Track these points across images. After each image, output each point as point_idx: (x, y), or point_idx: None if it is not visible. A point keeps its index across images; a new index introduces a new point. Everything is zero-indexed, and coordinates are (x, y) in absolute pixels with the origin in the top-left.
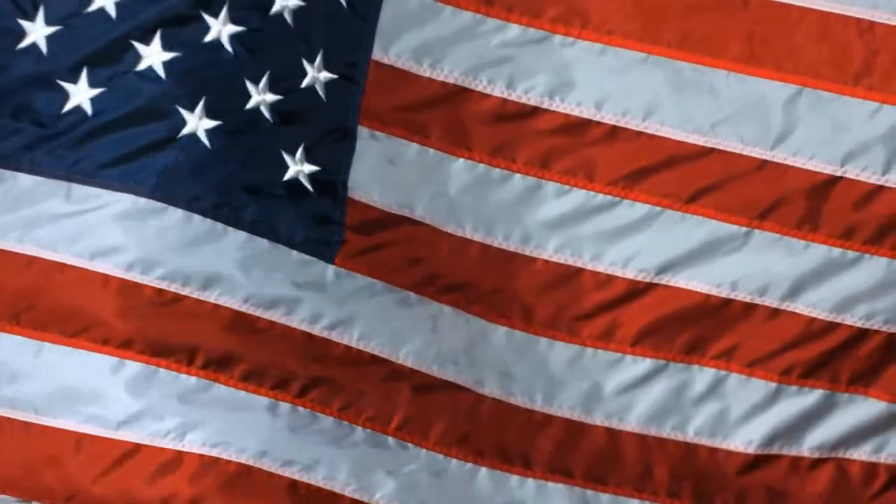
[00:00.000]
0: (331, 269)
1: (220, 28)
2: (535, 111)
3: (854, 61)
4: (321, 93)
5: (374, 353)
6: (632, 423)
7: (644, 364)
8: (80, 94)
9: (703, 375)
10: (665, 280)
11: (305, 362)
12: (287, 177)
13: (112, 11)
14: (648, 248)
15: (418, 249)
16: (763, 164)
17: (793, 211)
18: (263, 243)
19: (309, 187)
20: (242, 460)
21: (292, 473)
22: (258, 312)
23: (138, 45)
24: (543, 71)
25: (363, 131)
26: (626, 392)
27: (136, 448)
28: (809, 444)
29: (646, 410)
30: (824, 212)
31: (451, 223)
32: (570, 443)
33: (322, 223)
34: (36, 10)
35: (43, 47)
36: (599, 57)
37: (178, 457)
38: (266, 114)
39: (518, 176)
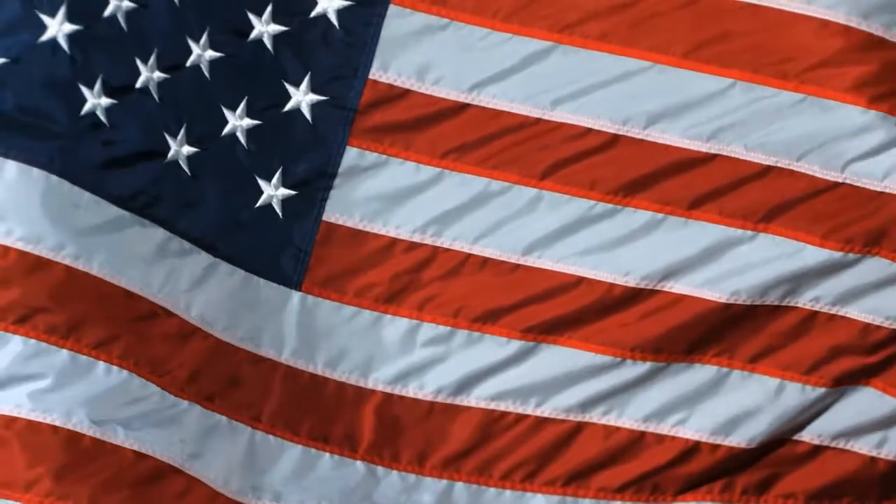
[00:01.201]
0: (296, 296)
1: (201, 53)
2: (537, 122)
3: (855, 71)
4: (307, 115)
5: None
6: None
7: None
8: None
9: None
10: (668, 286)
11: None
12: (259, 203)
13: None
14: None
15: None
16: (767, 169)
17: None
18: (225, 268)
19: (280, 214)
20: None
21: None
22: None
23: (138, 62)
24: (548, 84)
25: (352, 151)
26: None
27: None
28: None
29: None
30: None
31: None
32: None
33: (288, 249)
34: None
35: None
36: (599, 65)
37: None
38: (241, 139)
39: (516, 188)
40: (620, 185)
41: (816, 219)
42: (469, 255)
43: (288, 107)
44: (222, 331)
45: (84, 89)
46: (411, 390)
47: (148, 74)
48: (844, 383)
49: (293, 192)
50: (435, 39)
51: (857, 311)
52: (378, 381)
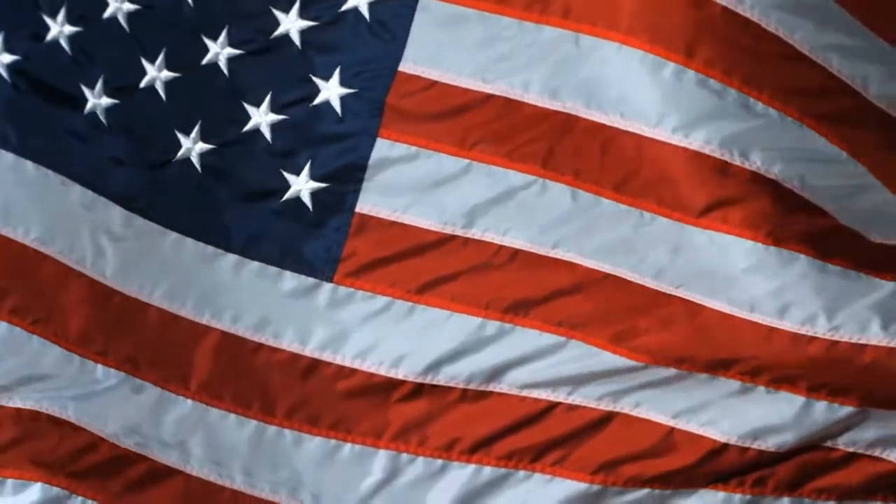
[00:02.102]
0: (327, 287)
1: (219, 51)
2: (568, 118)
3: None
4: (337, 108)
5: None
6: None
7: None
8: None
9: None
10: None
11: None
12: (287, 196)
13: (125, 25)
14: None
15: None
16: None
17: None
18: (254, 266)
19: (309, 205)
20: None
21: None
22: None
23: (145, 62)
24: (577, 78)
25: (382, 143)
26: None
27: None
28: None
29: None
30: None
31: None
32: None
33: (320, 242)
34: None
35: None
36: (629, 61)
37: None
38: (266, 134)
39: (541, 181)
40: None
41: None
42: (500, 247)
43: (317, 101)
44: (231, 324)
45: (85, 89)
46: (442, 380)
47: (155, 74)
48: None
49: (324, 185)
50: (464, 30)
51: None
52: (409, 371)
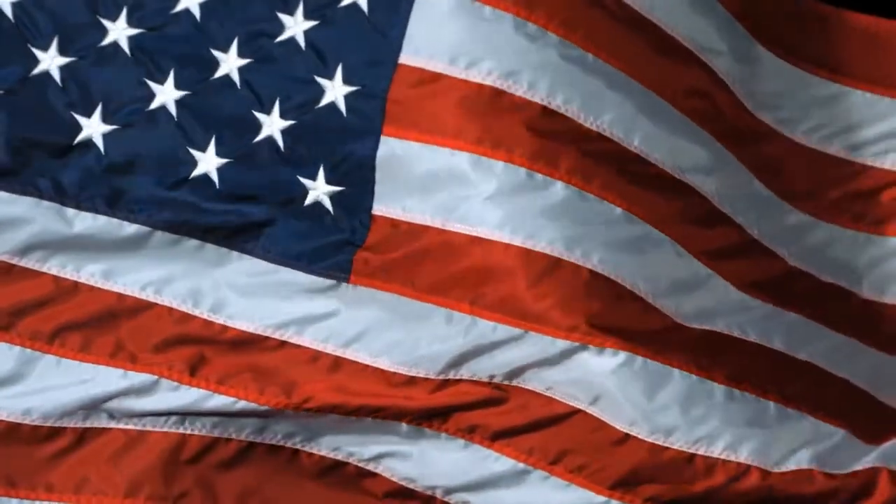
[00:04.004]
0: (346, 288)
1: (231, 63)
2: (566, 122)
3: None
4: (342, 108)
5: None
6: None
7: None
8: (93, 128)
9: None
10: None
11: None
12: (308, 201)
13: (127, 50)
14: None
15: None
16: None
17: None
18: (272, 269)
19: (330, 209)
20: None
21: None
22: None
23: (152, 85)
24: (579, 85)
25: (388, 140)
26: None
27: None
28: None
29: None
30: None
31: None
32: None
33: (341, 244)
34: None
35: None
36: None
37: None
38: (279, 141)
39: (560, 183)
40: None
41: None
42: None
43: (322, 102)
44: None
45: (79, 118)
46: (465, 374)
47: (165, 97)
48: None
49: (340, 189)
50: (465, 22)
51: None
52: (430, 370)
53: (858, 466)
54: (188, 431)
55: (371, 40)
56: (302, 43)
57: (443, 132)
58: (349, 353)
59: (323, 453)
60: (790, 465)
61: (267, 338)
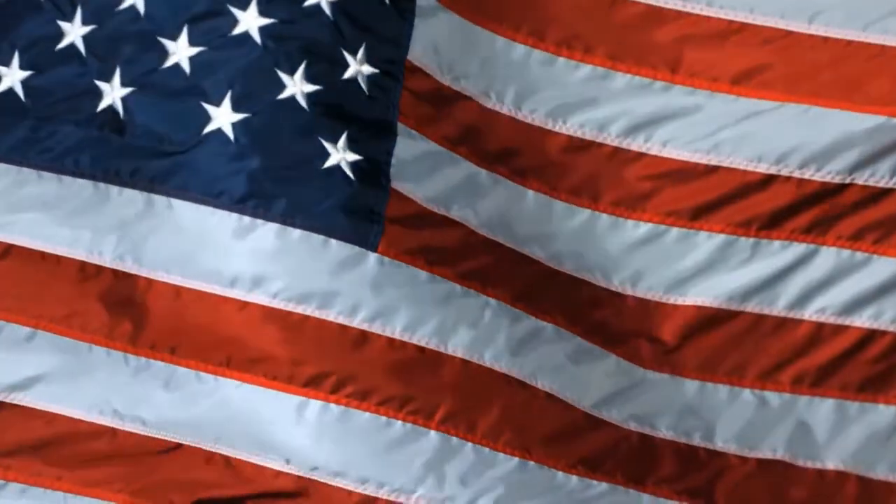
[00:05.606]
0: (373, 258)
1: (250, 21)
2: (539, 131)
3: (859, 81)
4: (363, 86)
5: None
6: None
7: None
8: (113, 92)
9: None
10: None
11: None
12: (328, 164)
13: (141, 9)
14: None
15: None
16: (769, 178)
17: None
18: (296, 234)
19: (351, 176)
20: None
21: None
22: (290, 307)
23: (165, 42)
24: (547, 91)
25: (402, 128)
26: None
27: None
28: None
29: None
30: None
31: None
32: None
33: (364, 212)
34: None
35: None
36: (603, 81)
37: None
38: (303, 103)
39: (531, 192)
40: None
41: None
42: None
43: (347, 74)
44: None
45: (102, 84)
46: (486, 360)
47: (180, 53)
48: None
49: (360, 158)
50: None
51: None
52: (457, 345)
53: None
54: None
55: (391, 29)
56: (328, 11)
57: (440, 133)
58: (375, 328)
59: None
60: None
61: None
